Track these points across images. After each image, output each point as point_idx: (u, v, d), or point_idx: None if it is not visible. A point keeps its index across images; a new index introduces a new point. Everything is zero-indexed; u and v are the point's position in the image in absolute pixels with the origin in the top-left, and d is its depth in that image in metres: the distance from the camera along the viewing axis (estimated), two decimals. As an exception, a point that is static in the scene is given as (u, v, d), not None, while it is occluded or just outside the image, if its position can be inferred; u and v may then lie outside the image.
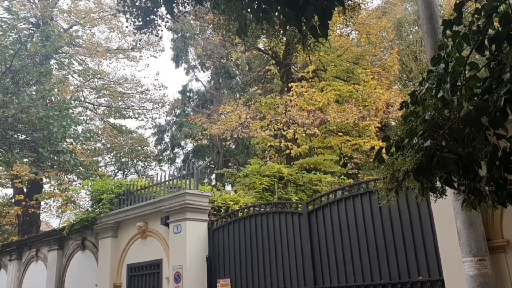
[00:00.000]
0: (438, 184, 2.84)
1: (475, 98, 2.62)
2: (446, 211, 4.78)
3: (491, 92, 2.58)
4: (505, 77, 2.40)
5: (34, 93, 10.29)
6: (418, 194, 2.83)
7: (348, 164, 15.59)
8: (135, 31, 4.31)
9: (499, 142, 2.68)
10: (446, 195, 2.85)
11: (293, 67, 17.28)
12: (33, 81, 10.13)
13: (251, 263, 7.47)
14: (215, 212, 8.66)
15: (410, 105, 2.86)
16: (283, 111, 14.11)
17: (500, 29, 2.48)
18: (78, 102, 19.15)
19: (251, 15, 2.77)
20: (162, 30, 4.33)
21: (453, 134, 2.66)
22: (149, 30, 4.20)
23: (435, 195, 2.84)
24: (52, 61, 16.52)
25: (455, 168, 2.61)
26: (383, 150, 2.87)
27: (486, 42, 2.55)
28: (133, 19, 4.09)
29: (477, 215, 4.44)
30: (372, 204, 6.09)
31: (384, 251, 5.84)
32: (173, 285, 7.85)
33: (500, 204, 2.80)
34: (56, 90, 12.34)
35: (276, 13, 2.63)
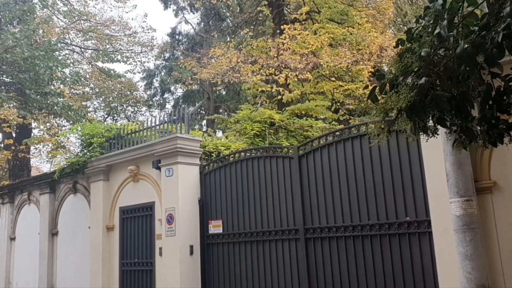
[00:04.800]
0: (430, 123, 2.83)
1: (472, 36, 2.56)
2: (436, 153, 4.83)
3: (488, 29, 2.51)
4: (505, 12, 2.33)
5: (17, 32, 9.94)
6: (410, 133, 2.82)
7: (340, 110, 15.56)
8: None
9: (493, 81, 2.65)
10: (438, 134, 2.85)
11: (286, 8, 16.79)
12: (16, 20, 9.75)
13: (242, 205, 7.61)
14: (206, 157, 8.69)
15: (406, 42, 2.80)
16: (275, 55, 13.84)
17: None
18: (64, 44, 18.63)
19: None
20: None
21: (448, 72, 2.61)
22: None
23: (427, 134, 2.84)
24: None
25: (448, 107, 2.59)
26: (377, 89, 2.84)
27: (486, -25, 2.45)
28: None
29: (466, 157, 4.50)
30: (363, 148, 6.13)
31: (373, 193, 5.95)
32: (165, 226, 8.01)
33: (491, 144, 2.82)
34: (41, 31, 11.94)
35: None
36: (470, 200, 4.43)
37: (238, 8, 21.51)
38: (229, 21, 23.57)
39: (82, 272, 9.94)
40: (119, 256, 9.06)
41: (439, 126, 2.79)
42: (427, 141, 3.01)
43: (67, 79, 14.06)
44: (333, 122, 12.81)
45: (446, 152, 4.57)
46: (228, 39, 20.18)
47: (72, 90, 18.72)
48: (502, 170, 4.57)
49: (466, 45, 2.43)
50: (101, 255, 9.23)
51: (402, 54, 2.70)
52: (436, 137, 2.95)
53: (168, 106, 26.48)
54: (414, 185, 5.54)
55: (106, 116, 23.36)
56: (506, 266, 4.45)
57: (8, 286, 12.46)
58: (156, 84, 26.93)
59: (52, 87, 13.42)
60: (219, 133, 19.27)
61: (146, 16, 37.50)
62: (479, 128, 2.77)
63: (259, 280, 7.15)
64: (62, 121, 18.43)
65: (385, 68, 13.86)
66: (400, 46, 2.85)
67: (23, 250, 12.16)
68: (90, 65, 21.28)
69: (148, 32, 22.28)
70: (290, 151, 7.11)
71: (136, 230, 8.84)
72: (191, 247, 7.88)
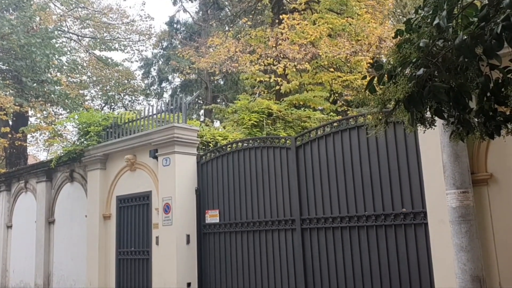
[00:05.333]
0: (428, 115, 2.82)
1: (471, 27, 2.54)
2: (433, 145, 4.83)
3: (488, 20, 2.50)
4: (505, 3, 2.30)
5: (14, 19, 9.83)
6: (408, 124, 2.81)
7: (338, 101, 15.54)
8: None
9: (491, 73, 2.64)
10: (435, 126, 2.84)
11: (285, -3, 16.67)
12: (12, 7, 9.66)
13: (239, 196, 7.62)
14: (203, 147, 8.68)
15: (404, 33, 2.78)
16: (274, 45, 13.76)
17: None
18: (61, 32, 18.49)
19: None
20: None
21: (446, 63, 2.60)
22: None
23: (425, 126, 2.83)
24: (32, -13, 15.66)
25: (446, 98, 2.58)
26: (375, 80, 2.82)
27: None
28: None
29: (463, 149, 4.50)
30: (360, 139, 6.13)
31: (369, 184, 5.96)
32: (162, 215, 8.01)
33: (488, 136, 2.81)
34: (37, 18, 11.81)
35: None
36: (467, 192, 4.44)
37: (237, -4, 21.33)
38: (227, 10, 23.40)
39: (78, 260, 9.97)
40: (116, 245, 9.08)
41: (436, 118, 2.78)
42: (424, 132, 3.01)
43: (64, 67, 13.95)
44: (331, 113, 12.79)
45: (443, 143, 4.57)
46: (227, 28, 20.04)
47: (69, 78, 18.62)
48: (499, 162, 4.58)
49: (465, 36, 2.41)
50: (97, 244, 9.24)
51: (400, 45, 2.69)
52: (434, 129, 2.94)
53: (166, 95, 26.42)
54: (411, 176, 5.55)
55: (103, 104, 23.29)
56: (501, 258, 4.47)
57: (5, 274, 12.50)
58: (153, 73, 26.83)
59: (49, 75, 13.34)
60: (217, 123, 19.25)
61: (144, 4, 37.13)
62: (476, 120, 2.77)
63: (255, 269, 7.18)
64: (59, 110, 18.36)
65: (384, 59, 13.81)
66: (399, 37, 2.83)
67: (19, 238, 12.17)
68: (87, 53, 21.14)
69: (146, 21, 22.19)
70: (288, 141, 7.10)
71: (133, 219, 8.85)
72: (188, 236, 7.90)
